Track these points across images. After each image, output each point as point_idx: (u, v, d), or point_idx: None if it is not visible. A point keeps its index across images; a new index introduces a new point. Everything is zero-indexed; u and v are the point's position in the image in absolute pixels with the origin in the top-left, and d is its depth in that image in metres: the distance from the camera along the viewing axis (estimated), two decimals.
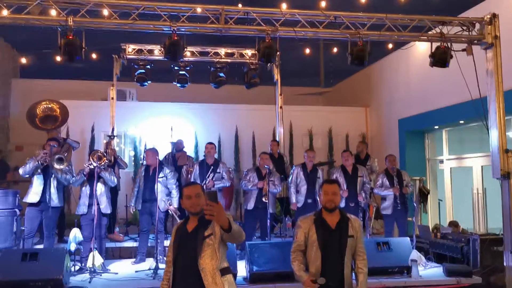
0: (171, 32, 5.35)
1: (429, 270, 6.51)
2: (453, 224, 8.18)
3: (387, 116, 11.92)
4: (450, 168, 10.23)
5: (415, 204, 7.63)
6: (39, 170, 6.35)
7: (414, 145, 11.01)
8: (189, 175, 7.50)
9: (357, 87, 13.95)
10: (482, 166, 9.10)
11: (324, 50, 15.36)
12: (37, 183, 6.34)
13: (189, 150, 11.12)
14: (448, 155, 10.32)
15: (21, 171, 6.34)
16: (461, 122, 9.29)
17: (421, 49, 9.32)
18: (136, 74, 8.88)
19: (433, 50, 5.90)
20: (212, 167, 7.01)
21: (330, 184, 3.71)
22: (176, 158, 8.40)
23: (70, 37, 5.05)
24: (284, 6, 7.13)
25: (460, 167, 10.06)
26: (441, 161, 10.58)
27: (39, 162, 6.26)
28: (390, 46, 10.76)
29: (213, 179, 6.95)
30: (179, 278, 3.08)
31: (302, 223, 3.68)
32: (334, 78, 15.57)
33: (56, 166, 6.21)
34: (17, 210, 6.77)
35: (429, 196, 10.06)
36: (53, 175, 6.36)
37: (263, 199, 6.85)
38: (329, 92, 16.05)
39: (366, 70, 12.98)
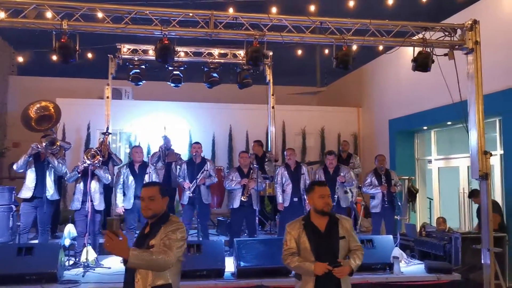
0: (162, 36, 5.54)
1: (411, 267, 6.73)
2: (441, 220, 8.38)
3: (378, 117, 12.13)
4: (438, 168, 10.46)
5: (399, 203, 7.84)
6: (32, 166, 6.51)
7: (404, 145, 11.22)
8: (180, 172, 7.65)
9: (350, 87, 14.15)
10: (468, 166, 9.31)
11: (319, 50, 15.55)
12: (30, 179, 6.49)
13: (184, 148, 11.32)
14: (436, 155, 10.54)
15: (14, 166, 6.53)
16: (448, 123, 9.50)
17: (411, 52, 9.48)
18: (130, 73, 9.06)
19: (415, 55, 6.11)
20: (201, 165, 7.22)
21: (323, 186, 3.51)
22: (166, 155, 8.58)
23: (64, 40, 5.24)
24: (274, 10, 7.30)
25: (448, 167, 10.28)
26: (430, 161, 10.80)
27: (29, 156, 6.40)
28: (381, 48, 10.94)
29: (204, 177, 7.18)
30: (124, 285, 2.96)
31: (290, 229, 3.49)
32: (328, 78, 15.75)
33: (49, 146, 6.37)
34: (13, 206, 6.97)
35: (417, 195, 10.31)
36: (49, 166, 6.49)
37: (242, 198, 7.06)
38: (323, 92, 16.24)
39: (359, 71, 13.20)
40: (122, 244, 2.60)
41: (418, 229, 8.56)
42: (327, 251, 3.38)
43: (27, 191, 6.45)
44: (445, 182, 10.38)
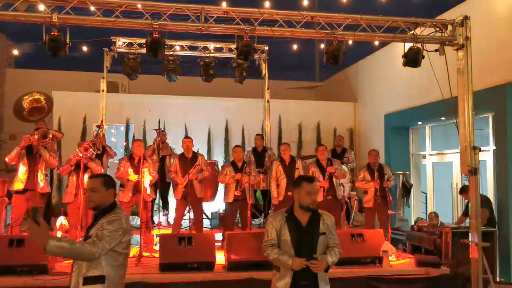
0: (152, 30, 5.54)
1: (402, 261, 6.78)
2: (433, 215, 8.43)
3: (374, 111, 12.14)
4: (432, 163, 10.49)
5: (391, 198, 7.89)
6: (24, 158, 6.55)
7: (399, 140, 11.24)
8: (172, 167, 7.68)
9: (346, 82, 14.14)
10: None
11: (318, 45, 15.57)
12: (22, 171, 6.54)
13: (179, 142, 11.35)
14: (431, 150, 10.57)
15: (6, 158, 6.57)
16: (442, 118, 9.52)
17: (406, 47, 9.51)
18: (125, 67, 9.06)
19: (405, 51, 6.12)
20: (193, 160, 7.25)
21: (311, 183, 3.50)
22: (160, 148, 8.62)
23: (55, 33, 5.25)
24: (267, 4, 7.30)
25: (442, 162, 10.32)
26: (424, 156, 10.84)
27: (21, 148, 6.45)
28: (377, 43, 10.93)
29: (196, 172, 7.22)
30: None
31: (273, 220, 3.57)
32: (327, 72, 15.79)
33: (41, 139, 6.43)
34: (6, 198, 7.01)
35: (412, 190, 10.35)
36: (41, 159, 6.53)
37: (236, 193, 7.11)
38: (321, 87, 16.25)
39: (356, 66, 13.20)
40: (42, 232, 2.65)
41: (411, 224, 8.62)
42: (306, 246, 3.43)
43: (19, 184, 6.50)
44: (439, 177, 10.42)
